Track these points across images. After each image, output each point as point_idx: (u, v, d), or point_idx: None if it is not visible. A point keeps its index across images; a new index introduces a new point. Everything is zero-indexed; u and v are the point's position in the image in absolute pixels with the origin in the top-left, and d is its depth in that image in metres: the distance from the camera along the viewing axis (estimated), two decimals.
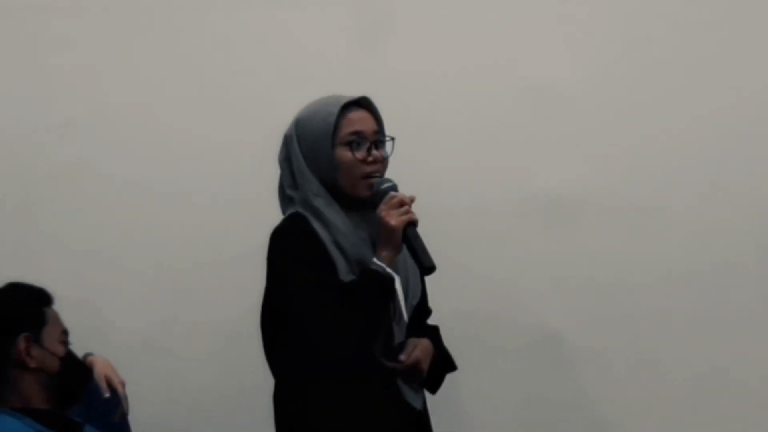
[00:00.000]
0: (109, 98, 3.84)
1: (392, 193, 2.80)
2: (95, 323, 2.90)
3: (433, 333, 2.98)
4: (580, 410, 3.79)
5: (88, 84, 3.85)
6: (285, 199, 2.91)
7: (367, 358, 2.76)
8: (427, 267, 2.76)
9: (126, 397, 2.92)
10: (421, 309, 2.98)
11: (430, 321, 3.05)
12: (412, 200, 2.81)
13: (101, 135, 3.84)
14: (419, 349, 2.85)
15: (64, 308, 2.82)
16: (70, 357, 2.76)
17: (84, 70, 3.85)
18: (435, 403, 3.02)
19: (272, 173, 2.97)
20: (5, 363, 2.67)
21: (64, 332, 2.77)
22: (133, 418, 3.01)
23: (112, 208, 3.80)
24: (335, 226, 2.81)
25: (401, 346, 2.83)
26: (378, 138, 2.88)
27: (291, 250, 2.77)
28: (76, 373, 2.78)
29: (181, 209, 3.79)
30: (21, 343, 2.67)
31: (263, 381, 2.90)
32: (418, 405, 2.87)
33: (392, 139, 2.91)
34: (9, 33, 3.88)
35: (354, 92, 2.90)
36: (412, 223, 2.78)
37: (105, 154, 3.83)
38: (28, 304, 2.73)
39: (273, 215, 2.90)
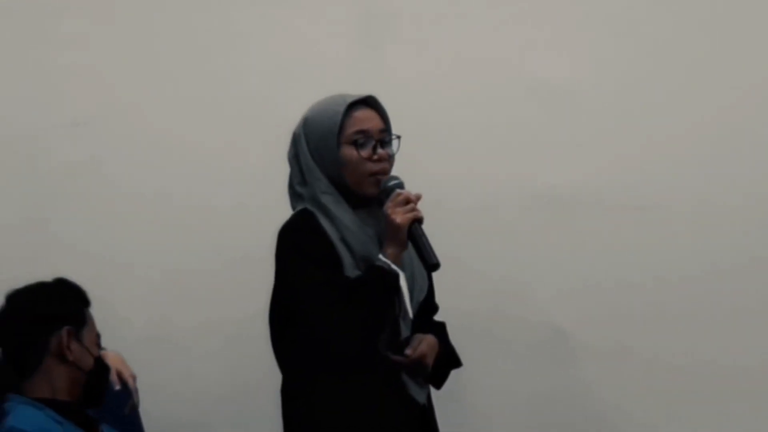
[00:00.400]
0: (116, 98, 3.87)
1: (398, 190, 2.84)
2: (106, 319, 2.92)
3: (440, 329, 3.01)
4: (585, 406, 3.82)
5: (96, 84, 3.88)
6: (294, 196, 2.95)
7: (373, 353, 2.79)
8: (431, 264, 2.79)
9: (136, 390, 2.94)
10: (428, 305, 3.01)
11: (437, 317, 3.07)
12: (418, 198, 2.84)
13: (109, 135, 3.87)
14: (425, 344, 2.88)
15: None
16: (101, 360, 2.81)
17: (92, 70, 3.88)
18: (441, 399, 3.04)
19: (278, 173, 3.02)
20: (44, 351, 2.71)
21: (98, 336, 2.83)
22: (144, 411, 3.05)
23: (120, 207, 3.83)
24: (343, 222, 2.84)
25: (407, 341, 2.86)
26: (384, 137, 2.91)
27: (299, 247, 2.80)
28: (105, 376, 2.82)
29: (189, 209, 3.81)
30: (64, 335, 2.71)
31: (271, 376, 2.93)
32: (422, 399, 2.90)
33: (398, 137, 2.94)
34: (19, 32, 3.90)
35: (358, 92, 2.93)
36: (418, 220, 2.81)
37: (113, 153, 3.86)
38: (74, 300, 2.78)
39: (280, 216, 2.92)
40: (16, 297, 2.76)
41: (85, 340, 2.76)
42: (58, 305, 2.75)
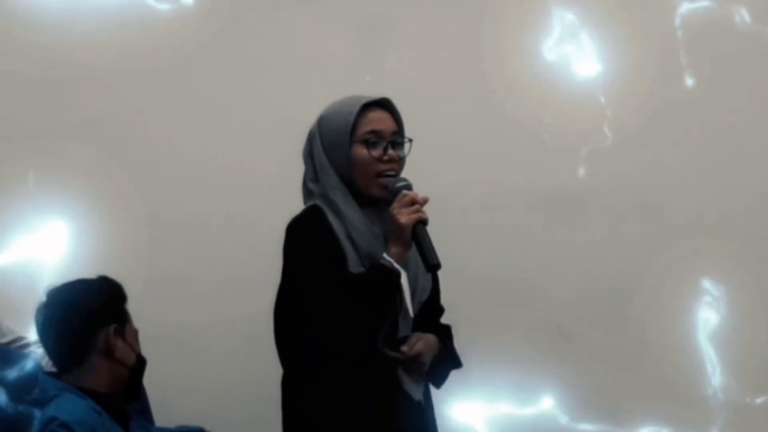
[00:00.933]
0: (124, 101, 3.94)
1: (405, 191, 2.90)
2: None
3: (444, 331, 3.07)
4: (587, 404, 3.87)
5: (104, 86, 3.94)
6: (306, 192, 3.02)
7: (372, 349, 2.86)
8: (432, 264, 2.85)
9: None
10: (433, 307, 3.07)
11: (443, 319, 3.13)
12: (425, 201, 2.90)
13: (118, 136, 3.93)
14: (422, 342, 2.93)
15: None
16: (141, 355, 2.88)
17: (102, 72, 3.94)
18: (443, 397, 3.13)
19: (283, 175, 3.09)
20: (91, 348, 2.78)
21: (137, 331, 2.90)
22: (157, 404, 3.18)
23: (128, 209, 3.87)
24: (350, 220, 2.92)
25: (405, 339, 2.92)
26: (396, 138, 2.98)
27: (305, 242, 2.88)
28: (143, 370, 2.89)
29: (195, 211, 3.89)
30: (111, 333, 2.78)
31: (275, 373, 2.99)
32: (417, 395, 2.95)
33: (410, 140, 3.01)
34: (32, 33, 3.95)
35: (370, 94, 3.00)
36: (422, 222, 2.87)
37: (122, 155, 3.91)
38: (117, 298, 2.85)
39: (285, 216, 2.97)
40: (61, 293, 2.81)
41: (127, 337, 2.83)
42: (104, 302, 2.82)
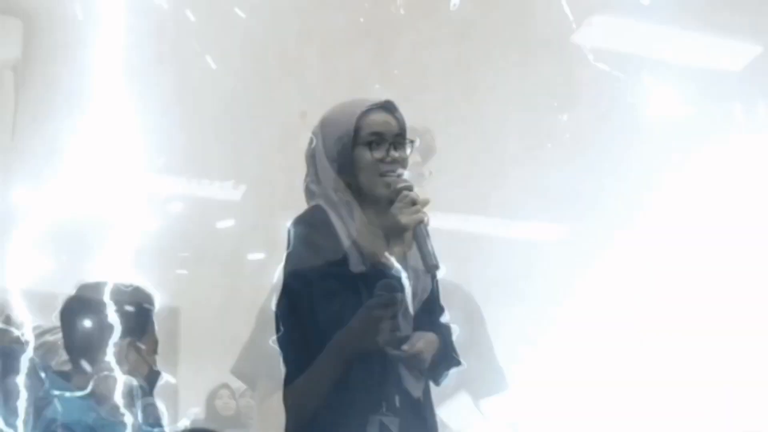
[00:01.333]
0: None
1: (405, 192, 2.94)
2: None
3: (444, 331, 3.09)
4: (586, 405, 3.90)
5: None
6: (308, 193, 3.06)
7: (372, 346, 2.88)
8: (431, 265, 2.90)
9: None
10: (433, 306, 3.09)
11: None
12: (425, 202, 2.94)
13: None
14: (422, 341, 2.96)
15: None
16: (153, 367, 2.90)
17: None
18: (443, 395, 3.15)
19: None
20: (102, 356, 2.78)
21: (156, 342, 2.92)
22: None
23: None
24: (352, 220, 2.96)
25: (406, 338, 2.95)
26: (398, 140, 3.02)
27: (307, 240, 2.92)
28: (156, 381, 2.91)
29: (208, 213, 3.92)
30: (124, 346, 2.82)
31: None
32: (416, 393, 2.98)
33: (412, 141, 3.04)
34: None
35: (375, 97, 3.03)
36: (422, 222, 2.91)
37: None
38: (143, 309, 2.87)
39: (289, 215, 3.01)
40: (88, 294, 2.83)
41: (143, 350, 2.85)
42: (126, 314, 2.83)
